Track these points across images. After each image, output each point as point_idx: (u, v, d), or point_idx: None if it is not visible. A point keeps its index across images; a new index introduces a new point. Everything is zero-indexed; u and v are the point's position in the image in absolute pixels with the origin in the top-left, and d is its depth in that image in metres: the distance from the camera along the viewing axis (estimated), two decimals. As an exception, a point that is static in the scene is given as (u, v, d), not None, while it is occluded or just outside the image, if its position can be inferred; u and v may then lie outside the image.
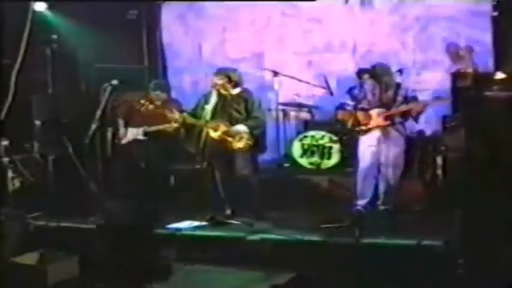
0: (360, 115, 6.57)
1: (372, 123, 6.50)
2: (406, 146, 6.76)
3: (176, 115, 6.85)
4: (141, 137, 7.56)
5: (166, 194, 7.60)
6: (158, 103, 7.43)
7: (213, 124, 6.67)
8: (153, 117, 7.43)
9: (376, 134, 6.51)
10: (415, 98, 6.60)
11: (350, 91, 6.83)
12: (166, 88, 7.93)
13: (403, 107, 6.48)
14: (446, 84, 7.84)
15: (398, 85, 6.61)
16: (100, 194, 7.10)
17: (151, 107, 7.17)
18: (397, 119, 6.55)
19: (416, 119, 6.64)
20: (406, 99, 6.55)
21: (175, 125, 6.99)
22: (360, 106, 6.63)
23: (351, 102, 6.70)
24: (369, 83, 6.71)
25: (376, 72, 6.57)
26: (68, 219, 6.61)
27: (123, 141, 7.63)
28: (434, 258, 5.33)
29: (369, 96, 6.63)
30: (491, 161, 5.94)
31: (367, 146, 6.50)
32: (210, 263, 5.95)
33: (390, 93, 6.55)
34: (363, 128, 6.54)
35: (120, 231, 5.76)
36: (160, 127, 7.46)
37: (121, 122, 7.71)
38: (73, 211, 6.76)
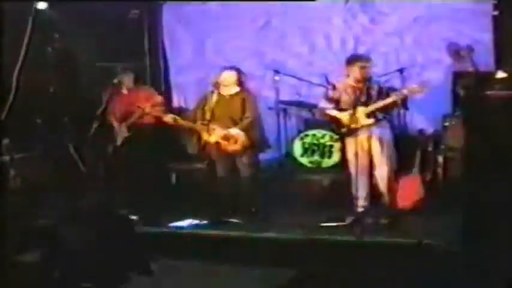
0: (341, 117, 6.46)
1: (355, 124, 6.31)
2: (406, 144, 6.75)
3: (169, 118, 6.88)
4: (126, 134, 7.51)
5: (168, 193, 7.61)
6: (130, 87, 7.49)
7: (208, 128, 6.68)
8: (129, 105, 7.46)
9: (361, 134, 6.36)
10: (391, 89, 6.50)
11: (325, 94, 6.70)
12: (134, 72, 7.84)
13: (381, 103, 6.34)
14: (448, 83, 7.83)
15: (369, 79, 6.43)
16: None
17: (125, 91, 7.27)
18: (380, 116, 6.43)
19: (405, 107, 6.55)
20: (382, 92, 6.45)
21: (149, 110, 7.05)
22: (339, 107, 6.52)
23: (329, 105, 6.59)
24: (340, 82, 6.61)
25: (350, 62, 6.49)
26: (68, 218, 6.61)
27: (117, 144, 7.58)
28: (434, 258, 5.32)
29: (344, 96, 6.53)
30: (492, 160, 5.94)
31: (354, 147, 6.31)
32: (210, 261, 5.94)
33: (364, 88, 6.39)
34: (347, 129, 6.38)
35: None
36: (136, 116, 7.43)
37: (115, 123, 7.65)
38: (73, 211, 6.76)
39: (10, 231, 5.83)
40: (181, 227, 6.63)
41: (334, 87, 6.59)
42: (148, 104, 7.22)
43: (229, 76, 6.79)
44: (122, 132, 7.46)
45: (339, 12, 8.73)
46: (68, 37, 8.14)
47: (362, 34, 8.65)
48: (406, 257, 5.44)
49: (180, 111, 8.05)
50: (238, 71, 6.85)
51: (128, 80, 7.54)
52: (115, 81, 7.31)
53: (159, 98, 7.35)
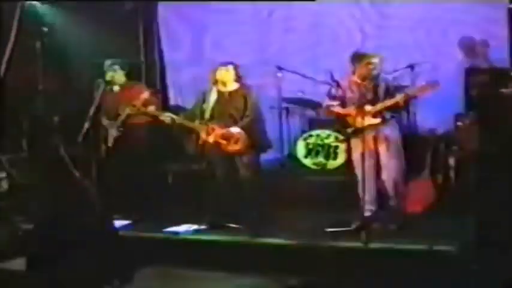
0: (347, 116, 6.45)
1: (361, 123, 6.26)
2: (416, 145, 6.73)
3: (166, 117, 6.88)
4: (117, 134, 7.49)
5: (163, 196, 7.60)
6: (121, 83, 7.47)
7: (207, 127, 6.67)
8: (121, 103, 7.43)
9: (368, 134, 6.32)
10: (399, 87, 6.49)
11: (329, 92, 6.69)
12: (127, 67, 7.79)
13: (389, 102, 6.32)
14: (460, 80, 7.81)
15: (376, 76, 6.43)
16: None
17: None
18: (387, 115, 6.42)
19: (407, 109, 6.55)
20: (389, 91, 6.44)
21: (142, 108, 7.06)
22: (344, 106, 6.51)
23: (335, 104, 6.57)
24: (345, 79, 6.60)
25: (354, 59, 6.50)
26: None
27: (108, 144, 7.56)
28: (445, 265, 5.31)
29: (349, 94, 6.51)
30: (507, 161, 5.90)
31: (361, 148, 6.28)
32: (209, 268, 5.93)
33: (370, 86, 6.40)
34: (353, 129, 6.37)
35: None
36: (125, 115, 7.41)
37: (107, 122, 7.63)
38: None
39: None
40: (178, 232, 6.61)
41: (338, 85, 6.57)
42: (138, 102, 7.19)
43: (226, 72, 6.79)
44: (113, 132, 7.45)
45: (345, 6, 8.72)
46: (58, 31, 8.12)
47: (370, 28, 8.65)
48: (415, 264, 5.43)
49: (177, 110, 8.04)
50: (235, 67, 6.84)
51: (118, 76, 7.52)
52: (107, 78, 7.31)
53: (146, 95, 7.31)
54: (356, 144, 6.45)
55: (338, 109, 6.54)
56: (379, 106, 6.33)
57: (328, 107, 6.66)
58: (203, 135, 6.74)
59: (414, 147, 7.04)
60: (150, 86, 8.49)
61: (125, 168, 7.43)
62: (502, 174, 5.95)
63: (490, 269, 5.03)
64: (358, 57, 6.50)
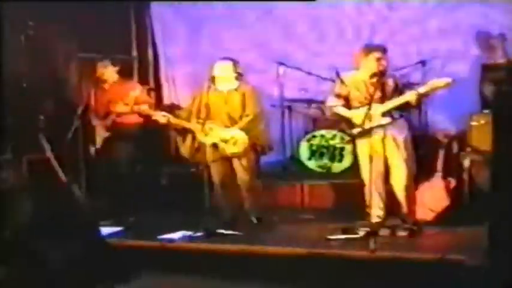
0: (353, 115, 6.43)
1: (369, 123, 6.26)
2: (427, 147, 6.72)
3: (160, 116, 6.88)
4: (106, 134, 7.48)
5: (157, 201, 7.59)
6: (113, 80, 7.47)
7: (203, 127, 6.67)
8: (111, 102, 7.42)
9: (376, 135, 6.32)
10: (408, 86, 6.47)
11: (333, 91, 6.67)
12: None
13: (399, 100, 6.31)
14: (476, 77, 7.79)
15: (383, 73, 6.39)
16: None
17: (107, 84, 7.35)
18: (396, 115, 6.40)
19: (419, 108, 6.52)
20: (398, 89, 6.43)
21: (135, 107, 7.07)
22: (348, 105, 6.51)
23: (339, 102, 6.57)
24: (349, 76, 6.58)
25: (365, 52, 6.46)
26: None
27: (97, 146, 7.56)
28: (459, 276, 5.29)
29: (355, 92, 6.49)
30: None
31: (368, 150, 6.29)
32: (205, 278, 5.92)
33: (378, 84, 6.35)
34: (360, 130, 6.34)
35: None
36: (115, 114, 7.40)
37: (96, 122, 7.63)
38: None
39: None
40: (172, 240, 6.60)
41: (342, 82, 6.55)
42: (130, 100, 7.18)
43: (225, 69, 6.78)
44: (102, 132, 7.45)
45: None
46: (44, 24, 8.10)
47: (378, 21, 8.63)
48: (426, 275, 5.40)
49: (172, 109, 8.04)
50: (235, 63, 6.83)
51: (109, 73, 7.52)
52: (97, 75, 7.32)
53: (138, 92, 7.31)
54: (363, 145, 6.44)
55: (343, 110, 6.51)
56: (389, 105, 6.31)
57: (331, 107, 6.65)
58: (200, 135, 6.74)
59: (425, 149, 7.04)
60: (143, 83, 8.50)
61: (115, 171, 7.44)
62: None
63: (506, 281, 5.01)
64: (364, 53, 6.48)
